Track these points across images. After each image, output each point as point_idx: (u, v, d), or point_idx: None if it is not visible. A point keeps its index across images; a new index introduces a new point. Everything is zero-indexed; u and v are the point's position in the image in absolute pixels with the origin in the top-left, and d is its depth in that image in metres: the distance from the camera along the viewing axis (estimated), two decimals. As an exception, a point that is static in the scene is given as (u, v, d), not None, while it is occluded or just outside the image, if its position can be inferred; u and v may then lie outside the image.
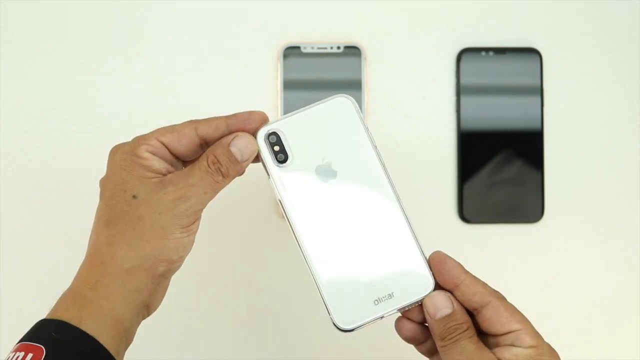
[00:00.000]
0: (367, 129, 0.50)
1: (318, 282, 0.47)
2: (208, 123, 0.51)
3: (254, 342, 0.79)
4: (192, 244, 0.51)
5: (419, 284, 0.48)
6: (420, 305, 0.48)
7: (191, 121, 0.52)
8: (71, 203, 0.78)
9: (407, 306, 0.48)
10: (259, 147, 0.50)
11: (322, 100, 0.50)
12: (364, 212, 0.49)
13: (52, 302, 0.49)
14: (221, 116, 0.51)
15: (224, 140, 0.50)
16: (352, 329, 0.47)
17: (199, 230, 0.51)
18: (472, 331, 0.47)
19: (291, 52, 0.79)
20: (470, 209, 0.79)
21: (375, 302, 0.47)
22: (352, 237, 0.48)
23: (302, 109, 0.51)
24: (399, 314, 0.50)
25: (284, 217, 0.49)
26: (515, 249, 0.80)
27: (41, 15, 0.79)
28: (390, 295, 0.47)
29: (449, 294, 0.48)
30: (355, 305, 0.47)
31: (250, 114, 0.51)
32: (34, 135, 0.79)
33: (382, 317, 0.48)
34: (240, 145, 0.49)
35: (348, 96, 0.50)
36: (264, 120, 0.51)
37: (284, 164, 0.49)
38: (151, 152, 0.50)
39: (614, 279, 0.80)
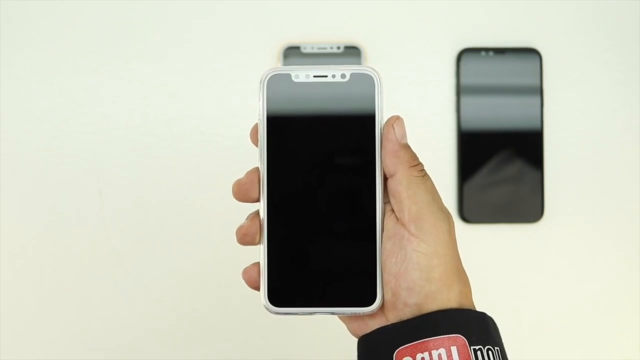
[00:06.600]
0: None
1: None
2: None
3: (255, 343, 0.79)
4: None
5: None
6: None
7: None
8: (71, 203, 0.78)
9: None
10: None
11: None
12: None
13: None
14: None
15: None
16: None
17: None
18: None
19: (291, 52, 0.79)
20: (470, 209, 0.79)
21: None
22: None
23: (325, 70, 0.45)
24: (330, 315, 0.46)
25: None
26: (515, 249, 0.80)
27: (41, 15, 0.79)
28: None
29: None
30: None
31: None
32: (34, 135, 0.79)
33: (312, 314, 0.45)
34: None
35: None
36: None
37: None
38: None
39: (614, 278, 0.80)
